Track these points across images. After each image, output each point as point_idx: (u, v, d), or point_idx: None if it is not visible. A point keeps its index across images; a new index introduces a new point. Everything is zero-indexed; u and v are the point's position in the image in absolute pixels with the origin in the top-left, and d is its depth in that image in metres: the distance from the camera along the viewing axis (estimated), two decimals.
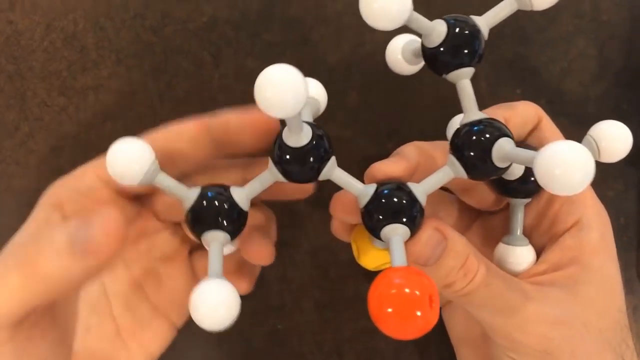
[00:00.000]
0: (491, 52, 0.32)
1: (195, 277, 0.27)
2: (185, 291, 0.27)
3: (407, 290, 0.18)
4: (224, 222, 0.22)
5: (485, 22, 0.21)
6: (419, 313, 0.17)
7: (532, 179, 0.24)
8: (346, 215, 0.24)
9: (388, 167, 0.23)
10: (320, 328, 0.33)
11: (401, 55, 0.25)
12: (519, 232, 0.25)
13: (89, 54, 0.32)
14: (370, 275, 0.23)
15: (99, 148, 0.32)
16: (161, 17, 0.32)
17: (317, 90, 0.25)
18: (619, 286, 0.24)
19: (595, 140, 0.23)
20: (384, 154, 0.31)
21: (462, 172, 0.21)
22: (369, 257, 0.24)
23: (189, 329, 0.28)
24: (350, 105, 0.32)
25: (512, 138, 0.20)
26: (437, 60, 0.21)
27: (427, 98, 0.32)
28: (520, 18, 0.32)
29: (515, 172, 0.23)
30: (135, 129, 0.32)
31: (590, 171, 0.17)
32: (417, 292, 0.18)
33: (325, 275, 0.33)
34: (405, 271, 0.18)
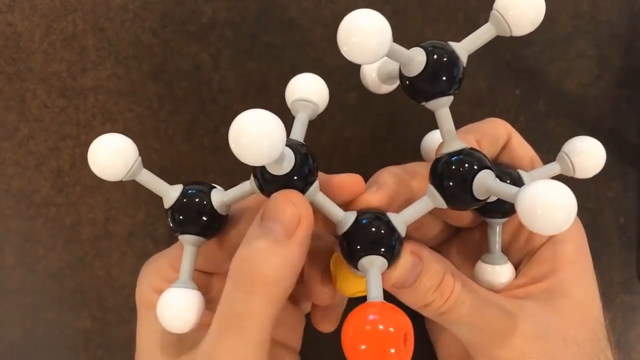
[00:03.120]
0: (490, 52, 0.32)
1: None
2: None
3: (381, 327, 0.17)
4: (200, 224, 0.22)
5: (464, 48, 0.21)
6: (392, 350, 0.17)
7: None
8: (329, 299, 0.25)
9: (366, 198, 0.22)
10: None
11: (376, 74, 0.25)
12: (497, 250, 0.26)
13: (89, 55, 0.32)
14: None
15: None
16: (160, 18, 0.32)
17: (315, 89, 0.25)
18: (596, 297, 0.25)
19: (569, 157, 0.23)
20: (383, 155, 0.31)
21: (441, 203, 0.21)
22: (347, 284, 0.24)
23: None
24: (349, 106, 0.32)
25: (492, 169, 0.20)
26: (415, 89, 0.21)
27: None
28: None
29: (490, 198, 0.23)
30: (134, 130, 0.32)
31: (572, 210, 0.17)
32: (392, 329, 0.17)
33: None
34: (380, 307, 0.18)
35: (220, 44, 0.32)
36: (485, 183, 0.20)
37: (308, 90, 0.25)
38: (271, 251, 0.20)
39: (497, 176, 0.21)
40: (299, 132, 0.23)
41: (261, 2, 0.32)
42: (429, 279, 0.22)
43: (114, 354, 0.33)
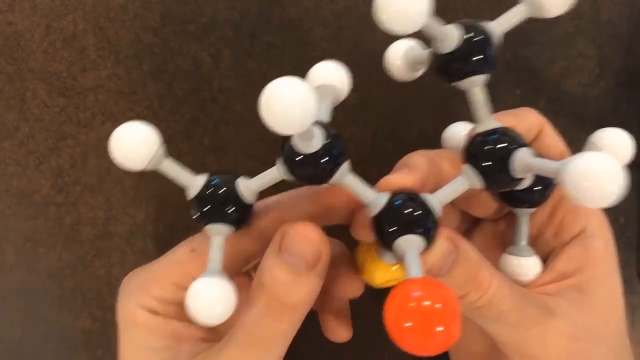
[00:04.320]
0: None
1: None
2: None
3: (427, 303, 0.16)
4: (226, 214, 0.21)
5: (497, 27, 0.21)
6: (440, 328, 0.16)
7: (538, 188, 0.23)
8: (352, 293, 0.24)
9: (400, 179, 0.22)
10: (320, 328, 0.33)
11: (401, 62, 0.24)
12: (524, 242, 0.25)
13: (89, 55, 0.32)
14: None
15: (99, 149, 0.33)
16: (161, 18, 0.32)
17: (336, 75, 0.24)
18: (621, 295, 0.24)
19: (598, 148, 0.23)
20: (384, 155, 0.31)
21: (477, 183, 0.20)
22: (376, 273, 0.23)
23: None
24: (350, 106, 0.32)
25: (530, 147, 0.20)
26: (448, 67, 0.20)
27: (426, 99, 0.32)
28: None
29: (525, 181, 0.22)
30: None
31: (621, 182, 0.16)
32: (438, 305, 0.16)
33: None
34: (424, 283, 0.17)
35: (221, 44, 0.32)
36: (524, 160, 0.19)
37: (330, 76, 0.24)
38: (294, 283, 0.20)
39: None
40: (323, 117, 0.23)
41: (261, 1, 0.32)
42: (465, 269, 0.21)
43: (114, 354, 0.33)
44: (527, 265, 0.24)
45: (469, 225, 0.28)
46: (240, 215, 0.22)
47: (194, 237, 0.24)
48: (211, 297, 0.20)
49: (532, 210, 0.25)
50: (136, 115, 0.32)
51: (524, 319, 0.21)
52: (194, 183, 0.21)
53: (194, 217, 0.22)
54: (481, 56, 0.20)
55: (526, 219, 0.25)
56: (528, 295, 0.22)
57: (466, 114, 0.32)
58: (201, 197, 0.21)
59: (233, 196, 0.21)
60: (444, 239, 0.21)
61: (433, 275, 0.21)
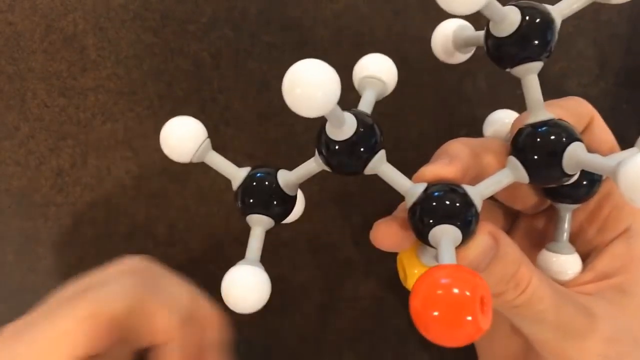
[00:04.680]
0: None
1: None
2: None
3: (455, 290, 0.15)
4: (269, 205, 0.21)
5: (558, 12, 0.19)
6: (469, 318, 0.15)
7: (584, 183, 0.22)
8: (391, 247, 0.22)
9: (439, 170, 0.20)
10: (320, 328, 0.33)
11: (452, 43, 0.23)
12: (564, 239, 0.24)
13: (89, 55, 0.32)
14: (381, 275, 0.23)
15: (99, 149, 0.33)
16: (161, 18, 0.32)
17: (384, 68, 0.24)
18: None
19: None
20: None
21: (523, 176, 0.19)
22: (417, 277, 0.23)
23: None
24: (349, 106, 0.32)
25: (582, 141, 0.19)
26: (503, 52, 0.19)
27: (427, 99, 0.32)
28: None
29: (573, 177, 0.21)
30: (135, 130, 0.32)
31: None
32: (468, 293, 0.15)
33: (326, 275, 0.33)
34: (453, 269, 0.16)
35: (221, 44, 0.32)
36: (577, 156, 0.18)
37: (378, 68, 0.24)
38: None
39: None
40: (364, 107, 0.22)
41: (261, 1, 0.32)
42: (504, 265, 0.20)
43: None
44: (567, 263, 0.23)
45: (508, 223, 0.27)
46: (281, 207, 0.22)
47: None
48: (248, 285, 0.19)
49: (575, 206, 0.23)
50: (136, 115, 0.32)
51: (562, 320, 0.21)
52: (237, 175, 0.22)
53: (238, 208, 0.22)
54: (540, 41, 0.19)
55: (568, 215, 0.24)
56: (567, 295, 0.21)
57: (467, 114, 0.33)
58: (244, 188, 0.22)
59: (275, 188, 0.22)
60: (485, 234, 0.20)
61: (472, 269, 0.20)
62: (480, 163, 0.21)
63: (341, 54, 0.32)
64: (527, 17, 0.19)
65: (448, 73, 0.31)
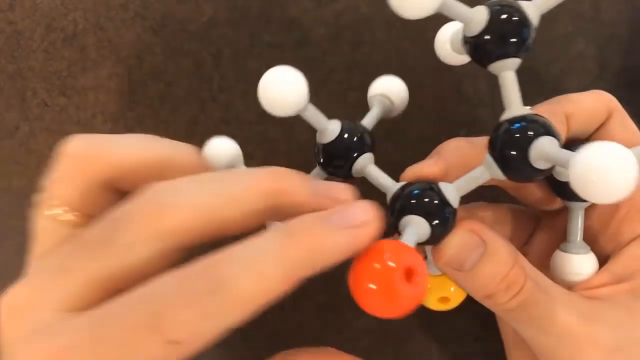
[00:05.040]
0: None
1: None
2: None
3: (378, 264, 0.16)
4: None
5: (534, 7, 0.19)
6: (390, 287, 0.16)
7: None
8: None
9: (419, 169, 0.21)
10: (320, 328, 0.33)
11: (450, 46, 0.23)
12: (578, 238, 0.23)
13: (89, 54, 0.32)
14: None
15: None
16: (161, 17, 0.32)
17: (392, 89, 0.25)
18: None
19: None
20: (383, 155, 0.31)
21: (498, 173, 0.19)
22: (429, 296, 0.23)
23: None
24: (350, 105, 0.32)
25: (557, 137, 0.19)
26: (478, 50, 0.20)
27: (426, 98, 0.32)
28: None
29: (563, 173, 0.21)
30: (135, 129, 0.32)
31: (632, 177, 0.15)
32: (391, 264, 0.16)
33: (325, 275, 0.33)
34: (387, 245, 0.17)
35: (221, 43, 0.32)
36: (544, 150, 0.18)
37: (388, 89, 0.25)
38: None
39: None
40: (366, 120, 0.24)
41: (262, 1, 0.32)
42: (493, 265, 0.19)
43: None
44: (580, 264, 0.22)
45: (527, 232, 0.26)
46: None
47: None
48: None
49: (586, 204, 0.23)
50: (136, 114, 0.32)
51: (560, 326, 0.20)
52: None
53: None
54: (511, 38, 0.19)
55: (580, 214, 0.23)
56: (570, 299, 0.20)
57: (466, 114, 0.33)
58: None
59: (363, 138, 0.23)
60: (465, 230, 0.20)
61: (455, 269, 0.20)
62: (468, 160, 0.21)
63: (341, 53, 0.32)
64: (496, 15, 0.19)
65: (448, 73, 0.31)
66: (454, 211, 0.20)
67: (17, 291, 0.18)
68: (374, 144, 0.23)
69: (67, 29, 0.32)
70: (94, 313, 0.16)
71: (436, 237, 0.20)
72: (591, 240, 0.23)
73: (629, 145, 0.20)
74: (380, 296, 0.16)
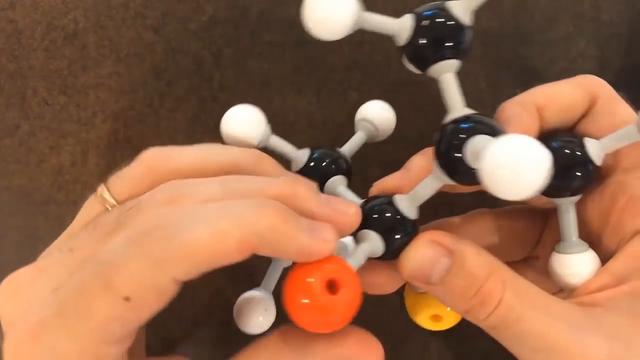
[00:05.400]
0: (491, 52, 0.32)
1: None
2: None
3: (301, 278, 0.17)
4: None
5: (464, 6, 0.19)
6: (306, 301, 0.16)
7: (577, 172, 0.20)
8: (380, 292, 0.22)
9: (382, 183, 0.21)
10: None
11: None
12: (573, 237, 0.21)
13: (90, 53, 0.32)
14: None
15: (100, 147, 0.33)
16: (162, 16, 0.32)
17: (378, 114, 0.26)
18: None
19: None
20: (383, 155, 0.31)
21: (445, 178, 0.19)
22: (416, 307, 0.23)
23: (190, 333, 0.28)
24: (350, 105, 0.32)
25: (497, 133, 0.18)
26: (412, 57, 0.20)
27: (426, 98, 0.32)
28: (520, 18, 0.32)
29: None
30: (135, 128, 0.32)
31: (541, 171, 0.14)
32: (310, 280, 0.17)
33: None
34: (318, 261, 0.17)
35: (222, 42, 0.32)
36: (477, 150, 0.17)
37: (374, 114, 0.26)
38: None
39: (555, 149, 0.19)
40: (347, 147, 0.26)
41: (262, 0, 0.32)
42: (462, 278, 0.18)
43: None
44: (577, 264, 0.21)
45: (525, 247, 0.25)
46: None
47: (109, 279, 0.17)
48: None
49: (574, 199, 0.21)
50: (137, 113, 0.32)
51: (548, 341, 0.18)
52: (298, 156, 0.25)
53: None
54: (441, 41, 0.19)
55: (570, 210, 0.21)
56: (560, 310, 0.19)
57: None
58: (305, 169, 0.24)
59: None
60: (424, 242, 0.19)
61: (423, 282, 0.19)
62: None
63: (341, 53, 0.32)
64: (421, 21, 0.19)
65: None
66: (411, 223, 0.20)
67: (23, 271, 0.19)
68: (349, 168, 0.24)
69: (68, 27, 0.32)
70: (64, 285, 0.17)
71: (393, 251, 0.20)
72: (595, 238, 0.22)
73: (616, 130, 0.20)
74: (304, 309, 0.17)
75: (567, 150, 0.20)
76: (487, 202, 0.27)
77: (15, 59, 0.32)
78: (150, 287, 0.16)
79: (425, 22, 0.19)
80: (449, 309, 0.22)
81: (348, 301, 0.17)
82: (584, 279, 0.21)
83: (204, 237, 0.16)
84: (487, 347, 0.33)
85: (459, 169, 0.18)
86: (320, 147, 0.25)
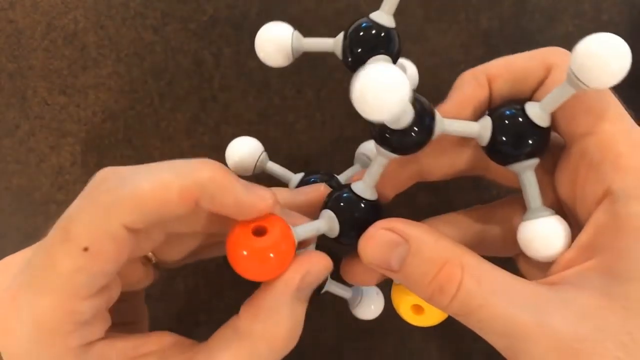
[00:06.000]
0: (492, 52, 0.32)
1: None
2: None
3: (232, 231, 0.19)
4: None
5: (384, 15, 0.21)
6: (237, 248, 0.19)
7: (524, 136, 0.20)
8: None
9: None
10: (319, 329, 0.33)
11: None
12: (537, 203, 0.20)
13: (90, 53, 0.32)
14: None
15: (100, 147, 0.33)
16: (162, 16, 0.32)
17: (373, 151, 0.27)
18: None
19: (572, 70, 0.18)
20: None
21: (385, 152, 0.20)
22: (397, 298, 0.23)
23: (190, 333, 0.28)
24: (349, 105, 0.32)
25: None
26: (346, 58, 0.22)
27: (426, 98, 0.32)
28: (520, 18, 0.32)
29: (402, 121, 0.19)
30: (135, 128, 0.32)
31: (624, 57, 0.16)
32: (239, 229, 0.19)
33: None
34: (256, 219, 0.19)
35: (222, 42, 0.32)
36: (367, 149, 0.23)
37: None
38: None
39: (498, 115, 0.20)
40: (344, 176, 0.27)
41: (262, 0, 0.32)
42: (419, 265, 0.18)
43: None
44: (540, 229, 0.20)
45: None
46: None
47: (68, 232, 0.19)
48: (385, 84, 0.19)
49: (531, 163, 0.20)
50: (137, 113, 0.32)
51: (511, 325, 0.17)
52: (293, 179, 0.26)
53: None
54: (367, 45, 0.21)
55: (527, 176, 0.20)
56: (525, 292, 0.18)
57: None
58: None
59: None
60: (380, 230, 0.19)
61: (386, 270, 0.19)
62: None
63: None
64: (353, 31, 0.21)
65: (448, 73, 0.31)
66: (367, 204, 0.21)
67: (16, 254, 0.21)
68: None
69: (68, 27, 0.32)
70: (36, 249, 0.19)
71: (348, 234, 0.21)
72: (571, 213, 0.21)
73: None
74: (237, 256, 0.19)
75: (508, 113, 0.20)
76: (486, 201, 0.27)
77: (15, 59, 0.32)
78: (104, 234, 0.18)
79: (355, 33, 0.21)
80: None
81: (275, 243, 0.19)
82: (554, 249, 0.19)
83: (147, 186, 0.18)
84: (487, 347, 0.33)
85: (389, 139, 0.20)
86: (317, 171, 0.26)
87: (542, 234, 0.20)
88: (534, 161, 0.20)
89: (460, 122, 0.20)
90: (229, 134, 0.33)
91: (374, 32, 0.21)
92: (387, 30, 0.21)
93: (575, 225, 0.20)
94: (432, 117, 0.20)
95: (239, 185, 0.19)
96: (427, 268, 0.18)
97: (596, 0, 0.32)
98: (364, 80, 0.17)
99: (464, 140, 0.22)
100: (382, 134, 0.20)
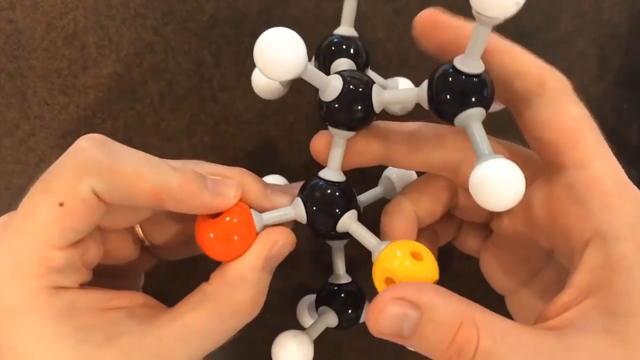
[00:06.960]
0: None
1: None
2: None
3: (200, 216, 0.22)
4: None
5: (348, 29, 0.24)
6: (211, 234, 0.21)
7: (466, 81, 0.20)
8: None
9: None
10: None
11: (265, 82, 0.26)
12: (487, 150, 0.19)
13: (90, 53, 0.32)
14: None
15: None
16: (162, 16, 0.32)
17: (398, 176, 0.28)
18: None
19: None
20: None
21: (339, 132, 0.22)
22: (374, 272, 0.22)
23: None
24: None
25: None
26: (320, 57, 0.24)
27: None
28: (520, 18, 0.32)
29: (327, 93, 0.21)
30: (135, 128, 0.32)
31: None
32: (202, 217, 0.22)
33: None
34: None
35: (221, 42, 0.32)
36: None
37: (397, 176, 0.28)
38: None
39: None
40: (364, 197, 0.27)
41: (262, 0, 0.32)
42: (433, 331, 0.18)
43: None
44: (492, 173, 0.18)
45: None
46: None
47: (35, 193, 0.20)
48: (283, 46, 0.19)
49: (474, 111, 0.20)
50: (137, 113, 0.32)
51: None
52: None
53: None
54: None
55: (477, 126, 0.20)
56: (535, 343, 0.18)
57: None
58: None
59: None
60: (391, 301, 0.18)
61: (397, 339, 0.19)
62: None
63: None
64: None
65: None
66: (334, 190, 0.23)
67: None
68: (355, 201, 0.24)
69: (68, 27, 0.32)
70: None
71: (320, 219, 0.23)
72: (543, 236, 0.21)
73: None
74: (201, 238, 0.22)
75: (439, 71, 0.20)
76: None
77: (15, 59, 0.32)
78: (76, 194, 0.19)
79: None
80: (396, 262, 0.20)
81: (235, 224, 0.21)
82: (508, 191, 0.18)
83: (127, 169, 0.20)
84: None
85: (326, 112, 0.21)
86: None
87: (494, 175, 0.18)
88: (477, 110, 0.19)
89: (400, 91, 0.23)
90: (229, 134, 0.33)
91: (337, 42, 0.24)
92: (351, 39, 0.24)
93: (542, 236, 0.21)
94: (366, 88, 0.21)
95: (205, 191, 0.21)
96: (443, 333, 0.18)
97: (596, 0, 0.32)
98: (262, 41, 0.19)
99: (440, 143, 0.23)
100: (320, 108, 0.21)
